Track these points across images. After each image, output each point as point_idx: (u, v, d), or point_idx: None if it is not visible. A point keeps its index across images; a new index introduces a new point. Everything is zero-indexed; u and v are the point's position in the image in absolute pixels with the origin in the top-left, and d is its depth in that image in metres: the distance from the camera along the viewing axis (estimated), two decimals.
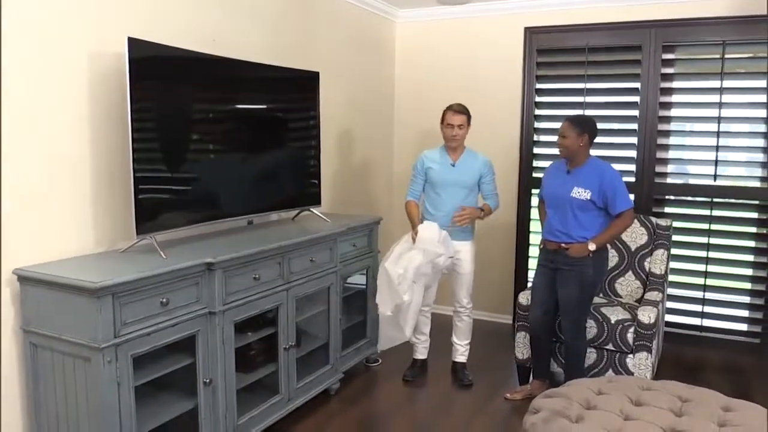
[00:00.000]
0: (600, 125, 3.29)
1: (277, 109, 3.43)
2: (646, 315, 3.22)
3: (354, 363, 3.67)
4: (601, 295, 3.75)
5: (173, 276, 2.35)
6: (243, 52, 3.16)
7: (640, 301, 3.64)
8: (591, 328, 3.31)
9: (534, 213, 4.58)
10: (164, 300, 2.33)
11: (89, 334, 2.12)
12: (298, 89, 3.54)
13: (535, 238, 4.59)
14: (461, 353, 3.73)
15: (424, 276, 3.37)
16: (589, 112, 4.21)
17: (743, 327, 4.17)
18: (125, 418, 2.20)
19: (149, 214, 2.54)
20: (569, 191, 3.10)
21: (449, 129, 3.42)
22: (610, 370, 3.32)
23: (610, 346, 3.31)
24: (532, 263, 4.64)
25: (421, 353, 3.79)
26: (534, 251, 4.59)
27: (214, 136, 2.97)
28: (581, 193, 3.07)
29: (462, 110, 3.45)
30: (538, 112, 4.53)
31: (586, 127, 3.11)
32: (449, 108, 3.44)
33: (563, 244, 3.13)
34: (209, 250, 2.61)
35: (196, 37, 2.96)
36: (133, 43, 2.40)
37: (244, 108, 3.19)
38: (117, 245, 2.64)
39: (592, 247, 3.05)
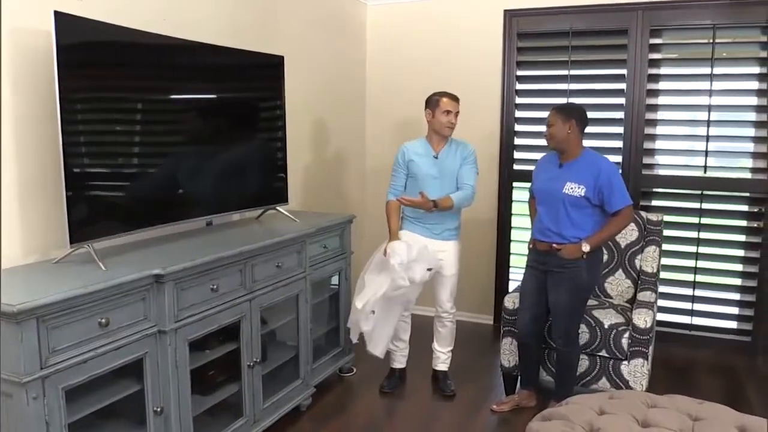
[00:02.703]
0: None
1: (238, 97, 3.08)
2: (642, 318, 2.98)
3: (327, 375, 3.36)
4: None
5: (114, 292, 2.00)
6: (197, 33, 2.80)
7: (631, 301, 3.42)
8: (583, 334, 3.07)
9: (516, 207, 4.34)
10: (103, 320, 1.98)
11: (10, 366, 1.77)
12: (260, 75, 3.19)
13: (517, 234, 4.35)
14: (443, 361, 3.46)
15: (399, 296, 3.11)
16: (572, 100, 3.96)
17: (733, 325, 4.00)
18: None
19: (85, 218, 2.18)
20: (561, 187, 2.83)
21: (446, 116, 3.15)
22: (604, 378, 3.08)
23: (603, 353, 3.07)
24: (514, 260, 4.41)
25: (399, 362, 3.50)
26: (516, 248, 4.35)
27: (165, 126, 2.61)
28: (574, 189, 2.80)
29: (456, 97, 3.21)
30: (519, 100, 4.26)
31: (572, 113, 2.85)
32: (445, 94, 3.17)
33: (555, 245, 2.87)
34: (158, 259, 2.27)
35: (143, 15, 2.59)
36: (61, 18, 2.03)
37: (199, 96, 2.83)
38: (50, 254, 2.28)
39: (586, 248, 2.79)
